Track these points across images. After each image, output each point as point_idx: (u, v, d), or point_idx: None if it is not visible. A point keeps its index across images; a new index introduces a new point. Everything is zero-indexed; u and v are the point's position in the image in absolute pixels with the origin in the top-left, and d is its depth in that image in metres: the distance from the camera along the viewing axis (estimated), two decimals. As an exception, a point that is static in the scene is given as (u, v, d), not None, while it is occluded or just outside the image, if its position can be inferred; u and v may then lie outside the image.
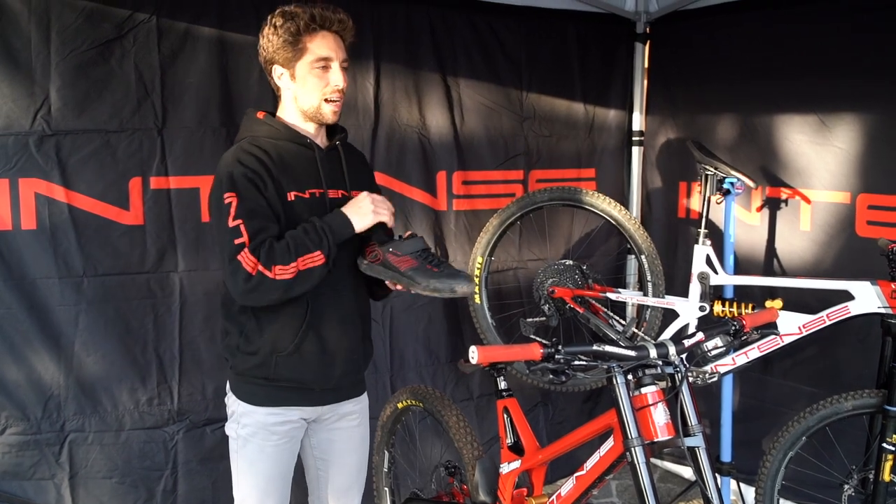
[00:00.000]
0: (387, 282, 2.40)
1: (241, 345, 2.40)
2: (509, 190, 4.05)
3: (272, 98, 3.34)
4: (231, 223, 2.21)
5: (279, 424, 2.43)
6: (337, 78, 2.32)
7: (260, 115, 2.41)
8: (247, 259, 2.19)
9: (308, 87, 2.33)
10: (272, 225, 2.26)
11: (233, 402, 2.48)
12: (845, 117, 3.45)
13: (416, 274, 2.30)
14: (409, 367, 3.88)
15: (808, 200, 3.60)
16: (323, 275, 2.27)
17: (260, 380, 2.40)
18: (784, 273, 3.73)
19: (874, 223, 3.38)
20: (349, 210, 2.32)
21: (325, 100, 2.34)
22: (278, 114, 2.43)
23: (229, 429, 2.50)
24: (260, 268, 2.19)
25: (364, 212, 2.32)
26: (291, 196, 2.32)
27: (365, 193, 2.35)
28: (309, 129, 2.41)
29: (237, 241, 2.20)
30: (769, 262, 3.79)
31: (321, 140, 2.45)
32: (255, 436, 2.43)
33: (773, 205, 3.76)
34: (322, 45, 2.30)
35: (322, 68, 2.31)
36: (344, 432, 2.59)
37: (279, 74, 2.35)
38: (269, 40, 2.31)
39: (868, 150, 3.40)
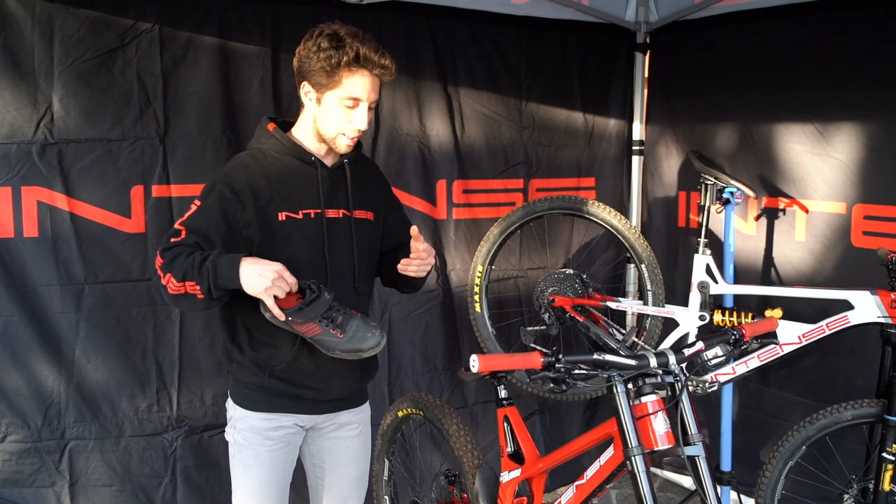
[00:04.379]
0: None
1: (234, 353, 2.43)
2: (509, 199, 4.07)
3: (274, 105, 3.41)
4: (178, 224, 2.26)
5: (273, 430, 2.44)
6: (360, 120, 2.29)
7: (270, 126, 2.40)
8: (158, 256, 2.22)
9: (330, 118, 2.30)
10: (210, 245, 2.23)
11: (230, 407, 2.51)
12: (842, 127, 3.46)
13: (323, 340, 2.26)
14: (406, 374, 3.88)
15: (805, 210, 3.61)
16: (208, 307, 2.22)
17: (254, 386, 2.42)
18: (780, 283, 3.73)
19: (870, 233, 3.39)
20: (250, 268, 2.14)
21: (343, 134, 2.32)
22: (294, 126, 2.42)
23: (228, 433, 2.52)
24: (159, 269, 2.21)
25: (260, 282, 2.13)
26: (282, 216, 2.31)
27: (280, 266, 2.15)
28: (320, 147, 2.39)
29: (171, 239, 2.24)
30: (766, 272, 3.80)
31: (332, 156, 2.43)
32: (249, 441, 2.44)
33: (769, 215, 3.77)
34: (357, 85, 2.25)
35: (349, 106, 2.28)
36: (343, 442, 2.60)
37: (306, 91, 2.32)
38: (308, 58, 2.26)
39: (864, 160, 3.40)
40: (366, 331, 2.28)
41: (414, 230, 2.41)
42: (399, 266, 2.44)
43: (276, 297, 2.16)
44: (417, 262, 2.42)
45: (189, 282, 2.15)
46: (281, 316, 2.18)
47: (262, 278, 2.13)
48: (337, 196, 2.42)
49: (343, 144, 2.34)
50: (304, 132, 2.39)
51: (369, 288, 2.58)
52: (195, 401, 3.38)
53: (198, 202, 2.29)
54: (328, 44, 2.23)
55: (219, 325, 2.49)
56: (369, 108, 2.31)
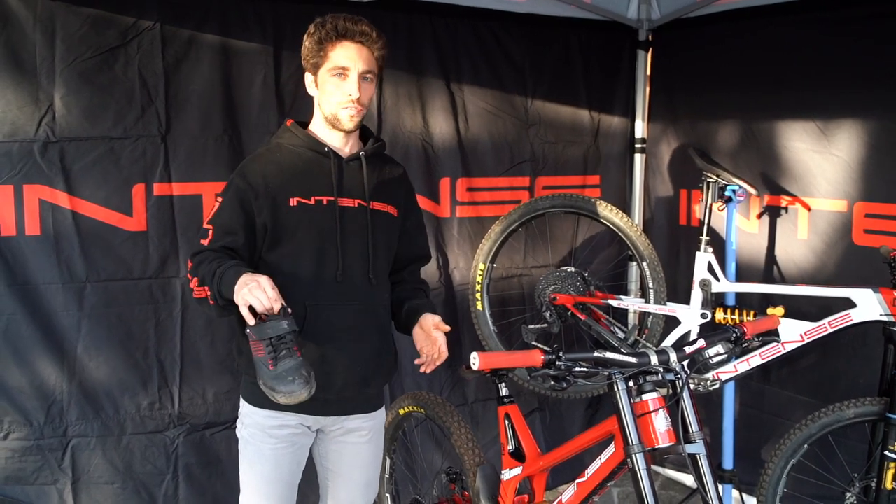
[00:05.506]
0: None
1: (243, 344, 2.41)
2: (515, 197, 4.05)
3: (277, 103, 3.41)
4: (206, 223, 2.36)
5: (277, 428, 2.44)
6: (351, 87, 2.34)
7: (288, 122, 2.48)
8: (189, 261, 2.34)
9: (327, 94, 2.38)
10: (235, 238, 2.33)
11: (241, 403, 2.52)
12: (844, 125, 3.45)
13: (258, 365, 2.18)
14: (407, 372, 3.85)
15: (807, 207, 3.60)
16: (221, 314, 2.31)
17: None
18: (783, 281, 3.73)
19: (871, 231, 3.38)
20: (242, 277, 2.13)
21: (342, 108, 2.36)
22: (312, 121, 2.48)
23: (238, 429, 2.53)
24: (189, 273, 2.31)
25: (239, 288, 2.11)
26: (293, 202, 2.35)
27: (265, 278, 2.12)
28: (334, 138, 2.43)
29: (201, 241, 2.35)
30: (768, 270, 3.79)
31: (350, 149, 2.46)
32: (254, 437, 2.45)
33: (771, 213, 3.77)
34: (341, 55, 2.33)
35: (339, 76, 2.34)
36: (352, 447, 2.58)
37: (309, 81, 2.42)
38: (304, 47, 2.38)
39: (866, 158, 3.40)
40: (294, 374, 2.12)
41: (436, 320, 2.47)
42: (417, 361, 2.54)
43: (253, 310, 2.11)
44: (435, 359, 2.50)
45: (206, 287, 2.24)
46: (250, 320, 2.12)
47: (242, 285, 2.10)
48: (352, 185, 2.43)
49: (346, 118, 2.37)
50: (318, 125, 2.45)
51: (386, 283, 2.56)
52: (197, 398, 3.38)
53: (220, 199, 2.38)
54: (314, 28, 2.36)
55: (234, 318, 2.48)
56: (363, 78, 2.36)
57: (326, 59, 2.34)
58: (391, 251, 2.56)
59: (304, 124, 2.48)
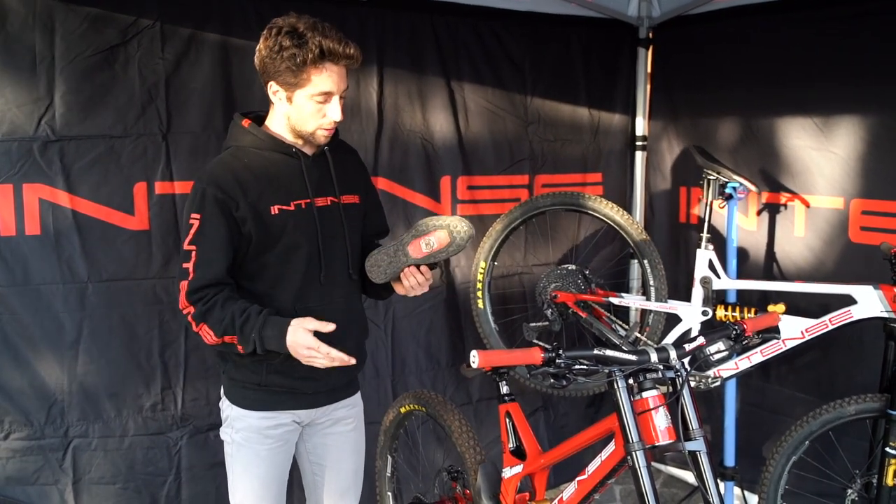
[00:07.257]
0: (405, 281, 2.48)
1: (231, 351, 2.40)
2: (514, 195, 4.05)
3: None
4: (186, 245, 2.26)
5: (272, 428, 2.45)
6: (334, 112, 2.28)
7: (245, 123, 2.38)
8: (183, 299, 2.26)
9: (304, 115, 2.29)
10: (223, 258, 2.27)
11: (226, 407, 2.50)
12: (841, 122, 3.45)
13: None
14: (410, 371, 3.88)
15: (806, 204, 3.60)
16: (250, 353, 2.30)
17: (251, 385, 2.42)
18: (782, 278, 3.73)
19: (867, 229, 3.38)
20: (291, 337, 2.22)
21: (320, 128, 2.32)
22: (267, 121, 2.41)
23: (224, 433, 2.52)
24: (190, 317, 2.26)
25: (300, 355, 2.23)
26: (275, 210, 2.31)
27: (310, 342, 2.21)
28: (297, 139, 2.39)
29: (184, 265, 2.26)
30: (768, 267, 3.79)
31: (310, 146, 2.41)
32: (248, 440, 2.45)
33: (770, 210, 3.76)
34: (326, 80, 2.23)
35: (322, 101, 2.27)
36: (339, 437, 2.61)
37: (274, 91, 2.30)
38: (271, 59, 2.22)
39: (862, 155, 3.39)
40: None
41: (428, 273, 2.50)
42: (403, 275, 2.46)
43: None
44: (421, 279, 2.46)
45: (229, 336, 2.24)
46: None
47: (300, 353, 2.23)
48: (323, 184, 2.42)
49: (322, 137, 2.34)
50: (279, 127, 2.38)
51: (363, 271, 2.55)
52: (200, 400, 3.37)
53: (196, 216, 2.27)
54: (290, 42, 2.19)
55: None
56: (341, 98, 2.30)
57: (308, 83, 2.23)
58: (360, 239, 2.57)
59: (259, 118, 2.42)
